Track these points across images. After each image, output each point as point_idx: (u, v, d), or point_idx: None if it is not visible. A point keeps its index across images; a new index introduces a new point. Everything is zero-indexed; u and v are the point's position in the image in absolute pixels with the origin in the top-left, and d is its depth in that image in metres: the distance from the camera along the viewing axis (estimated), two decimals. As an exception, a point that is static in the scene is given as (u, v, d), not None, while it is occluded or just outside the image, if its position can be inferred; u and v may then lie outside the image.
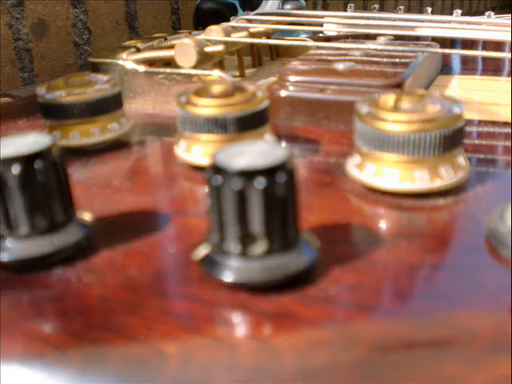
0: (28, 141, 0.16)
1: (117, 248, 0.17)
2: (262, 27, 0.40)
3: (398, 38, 0.38)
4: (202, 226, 0.18)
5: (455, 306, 0.14)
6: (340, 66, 0.30)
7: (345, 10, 0.47)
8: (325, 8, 1.11)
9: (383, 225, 0.18)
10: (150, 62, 0.34)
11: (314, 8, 1.08)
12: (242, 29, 0.38)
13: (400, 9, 0.50)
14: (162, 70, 0.32)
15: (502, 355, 0.12)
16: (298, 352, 0.13)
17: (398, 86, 0.28)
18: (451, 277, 0.15)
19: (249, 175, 0.14)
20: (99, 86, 0.25)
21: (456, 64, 0.41)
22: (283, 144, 0.25)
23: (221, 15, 0.73)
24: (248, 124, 0.22)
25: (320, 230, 0.17)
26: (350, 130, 0.21)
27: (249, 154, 0.14)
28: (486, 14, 0.43)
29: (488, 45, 0.43)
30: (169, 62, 0.35)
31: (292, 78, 0.29)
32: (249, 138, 0.22)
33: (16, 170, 0.15)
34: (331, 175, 0.22)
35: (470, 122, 0.27)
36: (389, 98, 0.21)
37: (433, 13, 0.49)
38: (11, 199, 0.15)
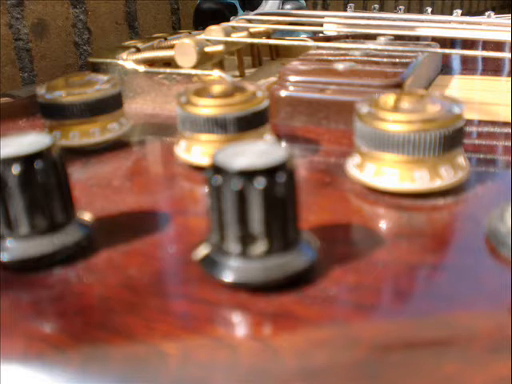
0: (28, 141, 0.16)
1: (117, 248, 0.17)
2: (262, 27, 0.40)
3: (398, 37, 0.38)
4: (202, 225, 0.18)
5: (455, 305, 0.14)
6: (340, 66, 0.30)
7: (345, 9, 0.47)
8: (325, 8, 1.11)
9: (383, 225, 0.18)
10: (150, 62, 0.34)
11: (314, 8, 1.08)
12: (241, 29, 0.38)
13: (400, 9, 0.50)
14: (162, 70, 0.32)
15: (502, 355, 0.12)
16: (298, 352, 0.13)
17: (398, 86, 0.28)
18: (451, 277, 0.15)
19: (249, 175, 0.14)
20: (99, 86, 0.25)
21: (456, 64, 0.41)
22: (283, 144, 0.25)
23: (221, 15, 0.73)
24: (248, 124, 0.22)
25: (320, 230, 0.17)
26: (350, 130, 0.21)
27: (249, 154, 0.14)
28: (486, 14, 0.43)
29: (488, 45, 0.43)
30: (169, 62, 0.35)
31: (292, 78, 0.29)
32: (249, 137, 0.22)
33: (16, 169, 0.15)
34: (331, 175, 0.22)
35: (469, 122, 0.27)
36: (389, 98, 0.21)
37: (433, 13, 0.49)
38: (11, 199, 0.15)
